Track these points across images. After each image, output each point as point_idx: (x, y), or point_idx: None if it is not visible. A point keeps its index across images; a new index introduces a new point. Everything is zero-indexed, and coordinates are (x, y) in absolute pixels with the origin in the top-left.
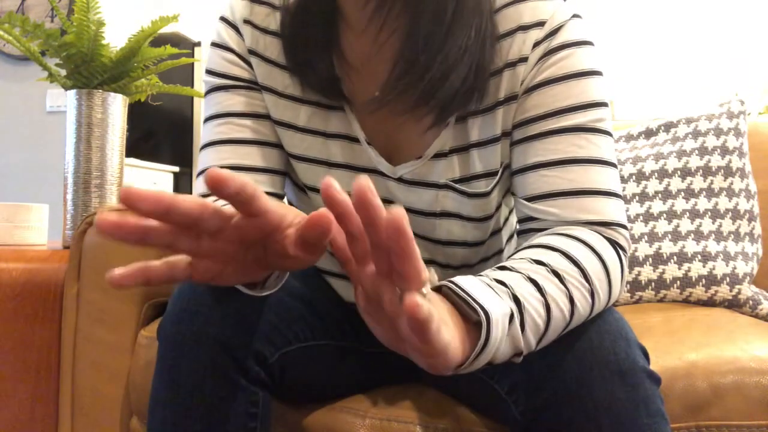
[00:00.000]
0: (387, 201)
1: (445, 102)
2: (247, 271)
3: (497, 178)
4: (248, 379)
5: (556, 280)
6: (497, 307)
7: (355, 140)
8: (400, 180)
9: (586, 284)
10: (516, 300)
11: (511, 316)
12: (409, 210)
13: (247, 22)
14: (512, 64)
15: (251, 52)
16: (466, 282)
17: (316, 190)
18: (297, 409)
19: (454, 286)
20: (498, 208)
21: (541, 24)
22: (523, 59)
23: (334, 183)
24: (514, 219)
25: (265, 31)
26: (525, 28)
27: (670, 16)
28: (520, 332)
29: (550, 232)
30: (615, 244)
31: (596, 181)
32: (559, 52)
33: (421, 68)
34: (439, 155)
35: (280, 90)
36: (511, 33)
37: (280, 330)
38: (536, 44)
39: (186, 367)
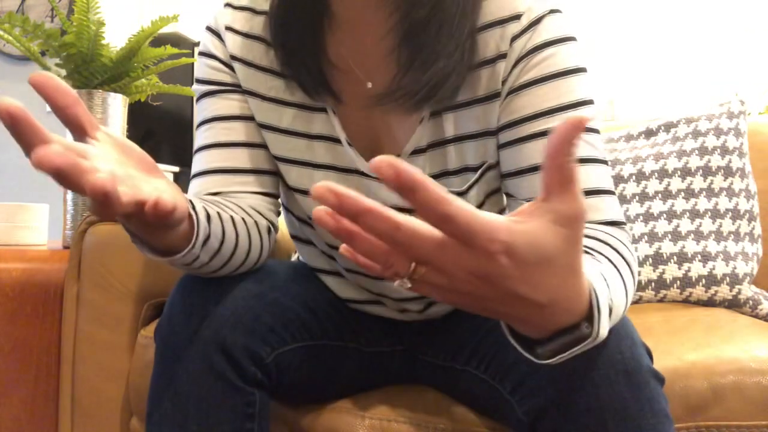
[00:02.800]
0: None
1: (439, 98)
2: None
3: (474, 177)
4: (244, 379)
5: (629, 276)
6: (604, 330)
7: (337, 141)
8: (380, 179)
9: (632, 280)
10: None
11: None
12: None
13: (228, 28)
14: (491, 61)
15: (233, 57)
16: (600, 288)
17: (302, 192)
18: (296, 410)
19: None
20: (480, 207)
21: (517, 17)
22: (502, 56)
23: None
24: None
25: (247, 35)
26: (502, 22)
27: (671, 16)
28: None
29: None
30: (627, 243)
31: (592, 180)
32: (542, 51)
33: (419, 68)
34: (417, 152)
35: (263, 93)
36: (488, 27)
37: (276, 330)
38: (514, 39)
39: (182, 368)
